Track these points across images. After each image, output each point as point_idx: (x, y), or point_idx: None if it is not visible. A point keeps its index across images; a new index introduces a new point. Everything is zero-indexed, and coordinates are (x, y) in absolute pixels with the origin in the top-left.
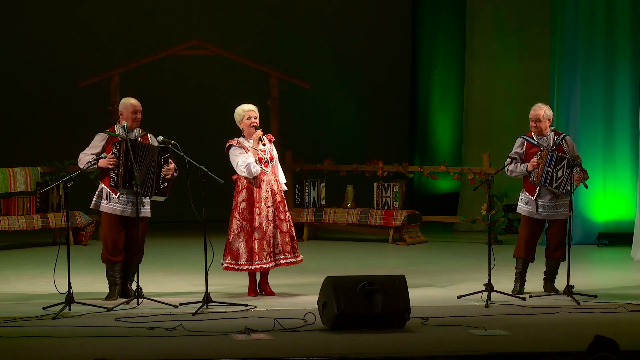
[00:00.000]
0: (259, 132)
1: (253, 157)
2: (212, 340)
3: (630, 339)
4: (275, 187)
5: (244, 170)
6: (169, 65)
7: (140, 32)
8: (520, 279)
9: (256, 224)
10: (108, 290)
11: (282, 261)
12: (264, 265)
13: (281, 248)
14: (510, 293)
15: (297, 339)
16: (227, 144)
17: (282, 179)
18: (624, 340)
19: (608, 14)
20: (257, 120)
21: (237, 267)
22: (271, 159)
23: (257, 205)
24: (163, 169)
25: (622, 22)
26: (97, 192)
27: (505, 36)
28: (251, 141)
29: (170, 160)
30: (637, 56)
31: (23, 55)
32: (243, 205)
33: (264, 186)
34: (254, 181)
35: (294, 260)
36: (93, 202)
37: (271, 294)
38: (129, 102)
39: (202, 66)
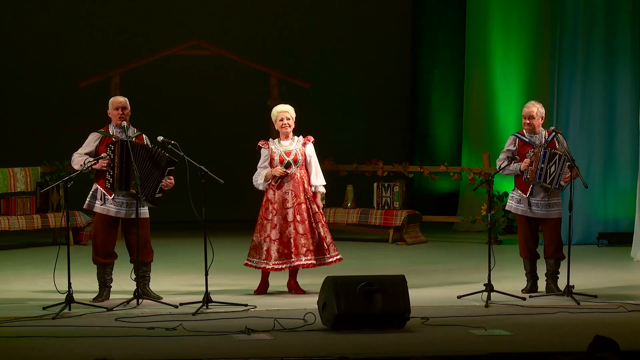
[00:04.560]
0: (280, 170)
1: (263, 177)
2: (212, 340)
3: (630, 339)
4: (299, 188)
5: (253, 181)
6: (169, 65)
7: (140, 32)
8: (531, 278)
9: (272, 224)
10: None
11: (296, 263)
12: (276, 267)
13: (295, 250)
14: (520, 292)
15: (297, 339)
16: (257, 145)
17: (316, 180)
18: (624, 340)
19: (608, 14)
20: (290, 122)
21: (254, 264)
22: (295, 161)
23: (275, 205)
24: (164, 180)
25: (622, 22)
26: (91, 193)
27: (505, 36)
28: (282, 142)
29: (172, 175)
30: (637, 56)
31: (23, 55)
32: (266, 204)
33: (284, 187)
34: (274, 182)
35: (312, 262)
36: (87, 202)
37: (300, 292)
38: (112, 99)
39: (202, 66)
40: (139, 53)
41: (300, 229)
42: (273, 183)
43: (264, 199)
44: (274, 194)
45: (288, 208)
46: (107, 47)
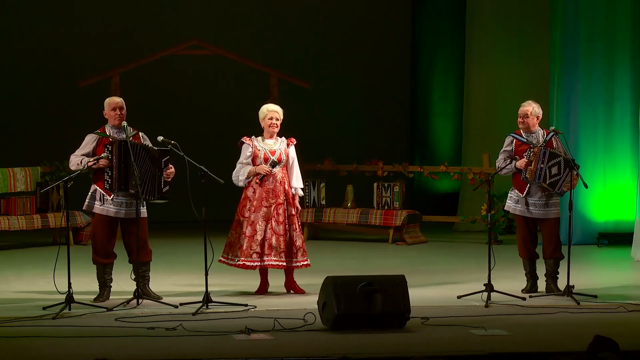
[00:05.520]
0: (266, 168)
1: (245, 174)
2: (212, 340)
3: (630, 339)
4: (280, 188)
5: (233, 177)
6: (169, 65)
7: (140, 32)
8: (531, 278)
9: (249, 221)
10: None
11: (267, 262)
12: (247, 263)
13: (268, 250)
14: (520, 292)
15: (297, 339)
16: (240, 140)
17: (296, 183)
18: (624, 340)
19: (608, 14)
20: (279, 123)
21: (227, 260)
22: (279, 160)
23: (254, 203)
24: (164, 172)
25: (622, 22)
26: (89, 194)
27: (505, 36)
28: (266, 141)
29: (170, 163)
30: (637, 56)
31: (23, 55)
32: (244, 201)
33: (265, 185)
34: (257, 179)
35: (282, 263)
36: (86, 203)
37: (300, 292)
38: (108, 100)
39: (202, 66)
40: (139, 53)
41: (276, 229)
42: (257, 180)
43: (242, 196)
44: (254, 192)
45: (266, 207)
46: (107, 47)
